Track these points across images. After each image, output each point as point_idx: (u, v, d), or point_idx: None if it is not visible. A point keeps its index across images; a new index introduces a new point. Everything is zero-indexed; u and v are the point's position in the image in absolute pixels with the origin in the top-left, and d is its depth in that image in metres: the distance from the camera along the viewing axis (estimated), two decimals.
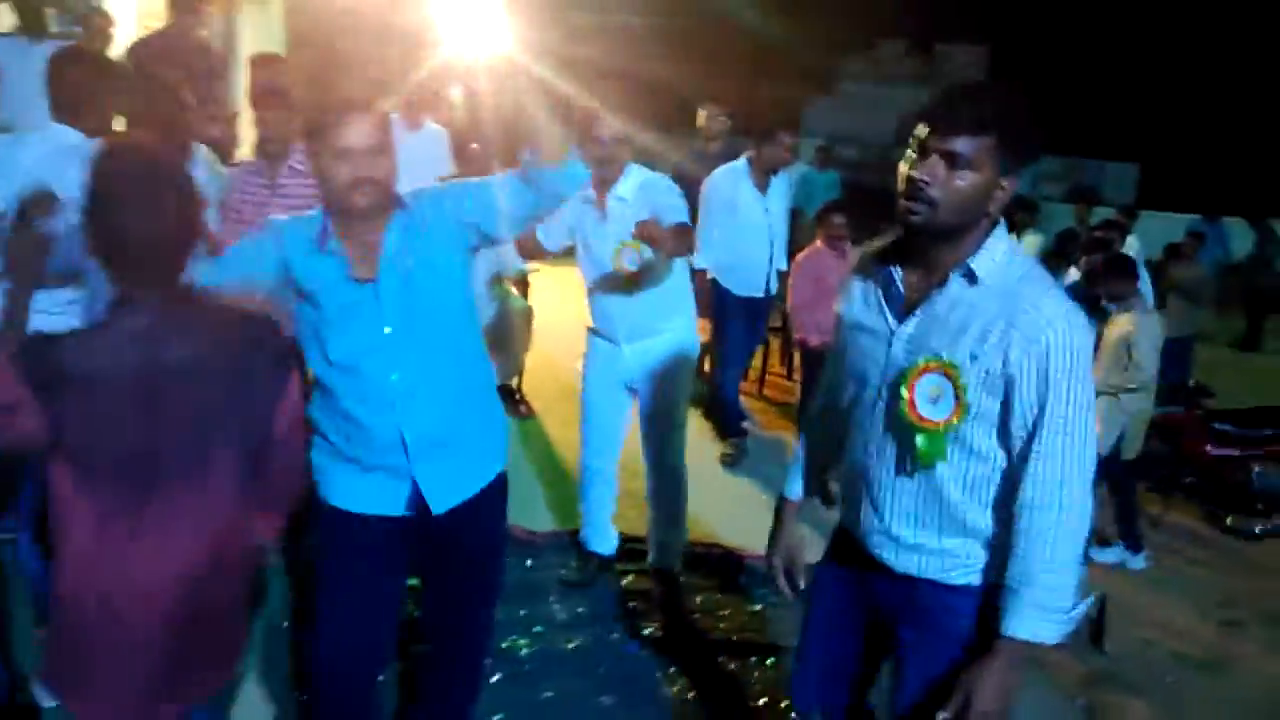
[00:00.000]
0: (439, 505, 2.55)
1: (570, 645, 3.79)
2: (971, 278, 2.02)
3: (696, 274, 5.38)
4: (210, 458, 2.02)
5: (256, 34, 8.98)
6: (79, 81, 3.57)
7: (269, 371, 2.09)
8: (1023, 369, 1.97)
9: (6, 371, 1.86)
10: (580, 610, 4.03)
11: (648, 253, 3.68)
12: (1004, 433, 2.03)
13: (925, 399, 2.02)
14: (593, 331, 4.08)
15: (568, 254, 4.08)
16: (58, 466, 1.96)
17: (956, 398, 2.00)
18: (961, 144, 1.94)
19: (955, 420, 2.00)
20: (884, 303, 2.15)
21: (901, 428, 2.07)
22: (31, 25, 5.05)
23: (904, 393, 2.04)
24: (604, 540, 4.25)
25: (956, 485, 2.07)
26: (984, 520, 2.08)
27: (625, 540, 4.39)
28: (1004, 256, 2.03)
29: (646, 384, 4.01)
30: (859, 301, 2.23)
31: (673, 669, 3.67)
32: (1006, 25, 18.58)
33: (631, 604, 4.11)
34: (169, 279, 1.98)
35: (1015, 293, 1.99)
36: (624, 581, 4.27)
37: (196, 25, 5.68)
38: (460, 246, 2.54)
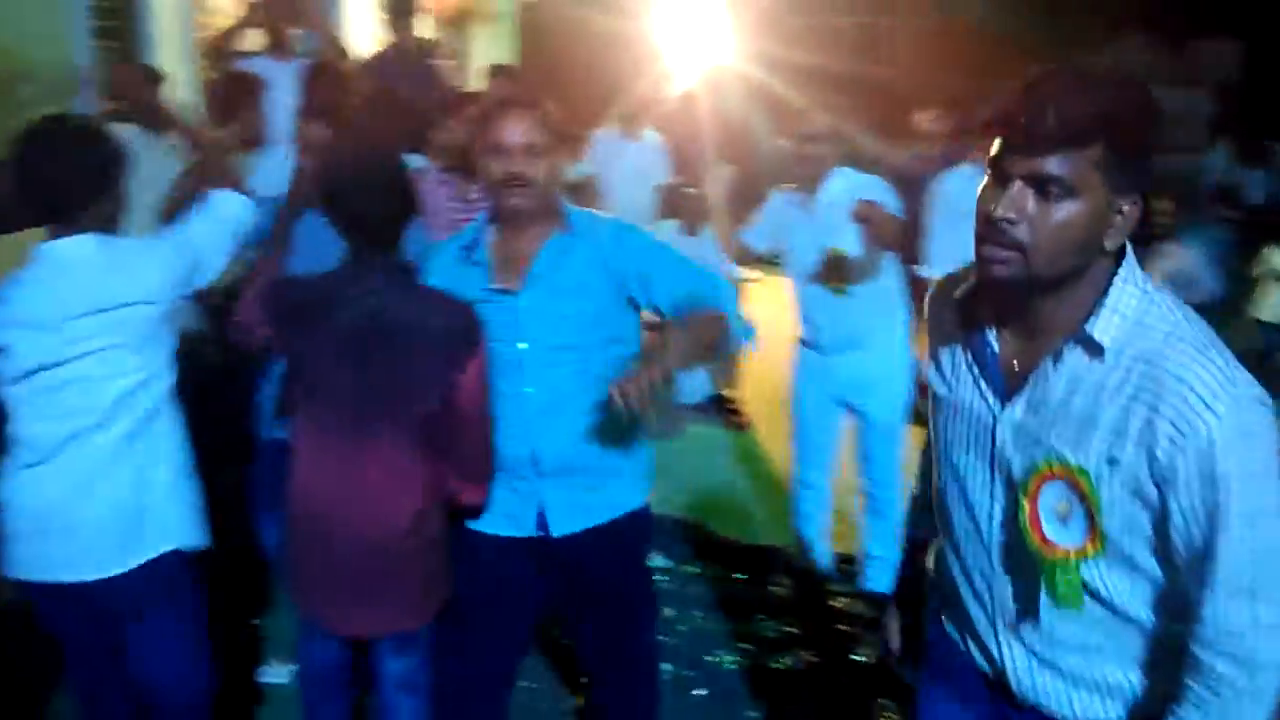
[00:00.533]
0: (559, 528, 2.48)
1: (777, 665, 3.68)
2: (1093, 348, 1.50)
3: (923, 284, 5.17)
4: (399, 411, 2.32)
5: (489, 48, 9.30)
6: (327, 96, 3.80)
7: (457, 345, 2.33)
8: (1177, 470, 1.43)
9: (255, 300, 2.47)
10: (790, 630, 3.91)
11: (855, 250, 3.55)
12: (1164, 543, 1.50)
13: (1051, 515, 1.54)
14: (801, 343, 3.96)
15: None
16: (295, 396, 2.40)
17: (1089, 518, 1.50)
18: (1055, 163, 1.43)
19: (1090, 553, 1.51)
20: (978, 372, 1.66)
21: (1027, 547, 1.58)
22: (278, 45, 5.34)
23: (1023, 504, 1.56)
24: (817, 557, 4.12)
25: (1133, 602, 1.56)
26: (1171, 634, 1.56)
27: (839, 559, 4.24)
28: (1136, 308, 1.49)
29: (858, 397, 3.85)
30: (945, 367, 1.74)
31: (883, 699, 3.50)
32: (1266, 17, 17.15)
33: (843, 626, 3.96)
34: (388, 248, 2.37)
35: (1158, 362, 1.45)
36: (837, 603, 4.11)
37: (410, 39, 5.91)
38: (621, 291, 2.43)
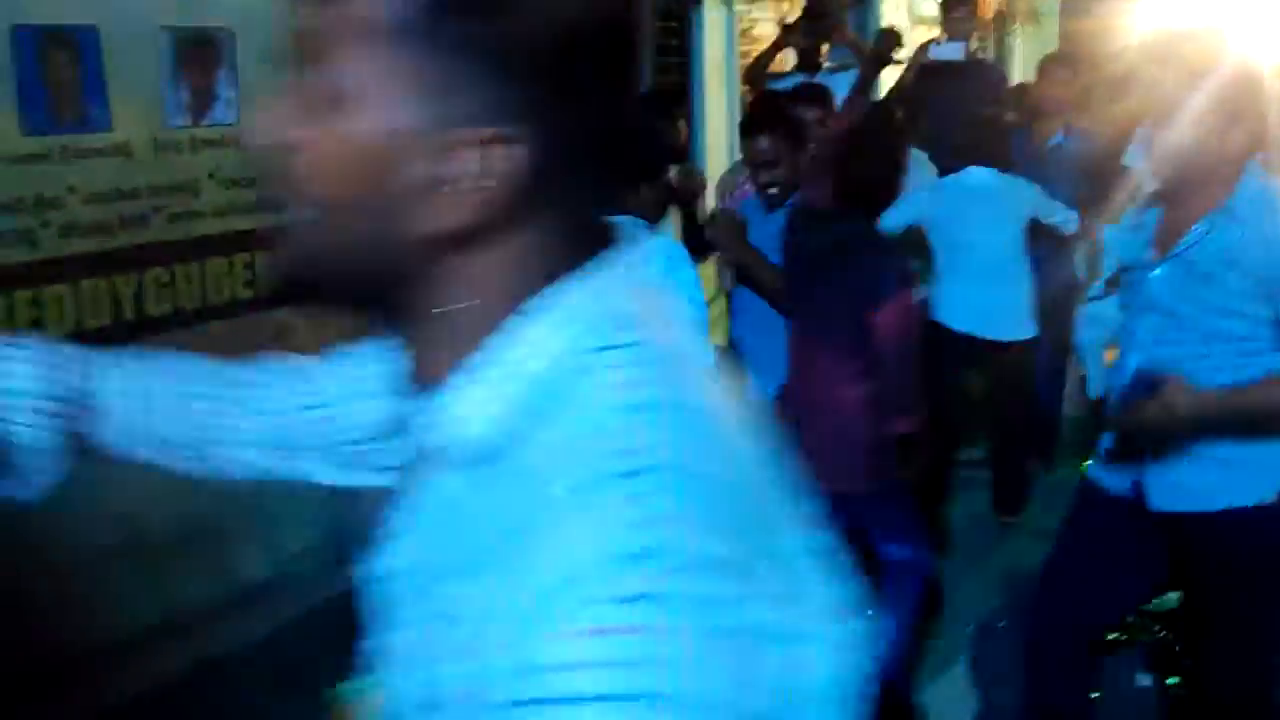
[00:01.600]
0: (1155, 502, 2.36)
1: None
2: (462, 441, 0.67)
3: None
4: (827, 330, 2.99)
5: (1030, 51, 9.04)
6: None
7: (873, 294, 2.86)
8: None
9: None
10: None
11: None
12: None
13: None
14: None
15: None
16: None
17: None
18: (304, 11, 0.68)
19: None
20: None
21: None
22: (809, 62, 5.58)
23: None
24: None
25: None
26: None
27: None
28: (554, 362, 0.66)
29: None
30: None
31: None
32: None
33: None
34: (859, 209, 2.98)
35: (537, 485, 0.63)
36: None
37: (968, 34, 5.98)
38: (1259, 290, 2.23)
